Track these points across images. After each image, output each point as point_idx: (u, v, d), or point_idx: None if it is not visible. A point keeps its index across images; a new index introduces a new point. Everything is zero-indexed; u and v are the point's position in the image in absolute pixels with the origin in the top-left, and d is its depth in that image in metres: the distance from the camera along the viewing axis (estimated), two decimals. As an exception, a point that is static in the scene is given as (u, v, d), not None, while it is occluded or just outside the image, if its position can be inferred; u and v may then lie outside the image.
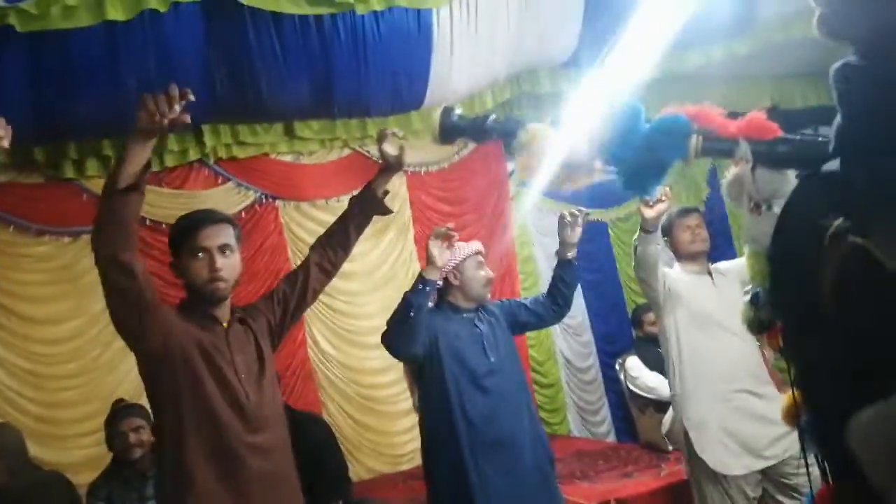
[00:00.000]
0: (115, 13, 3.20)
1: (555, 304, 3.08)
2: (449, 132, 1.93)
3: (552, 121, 1.88)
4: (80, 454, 4.16)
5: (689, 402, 3.05)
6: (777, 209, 1.29)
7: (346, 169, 5.17)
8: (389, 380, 5.15)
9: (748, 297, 1.72)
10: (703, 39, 4.68)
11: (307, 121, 4.71)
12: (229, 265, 2.06)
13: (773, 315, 1.58)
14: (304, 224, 5.04)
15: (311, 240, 4.96)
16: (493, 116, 1.89)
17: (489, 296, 2.96)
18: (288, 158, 5.02)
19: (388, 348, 2.78)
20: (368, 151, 5.18)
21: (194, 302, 2.07)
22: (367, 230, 5.05)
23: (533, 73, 5.21)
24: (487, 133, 1.91)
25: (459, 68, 4.39)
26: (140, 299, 1.85)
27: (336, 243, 2.33)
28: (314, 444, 3.41)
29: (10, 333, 4.24)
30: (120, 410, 3.24)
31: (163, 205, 4.62)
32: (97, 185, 4.47)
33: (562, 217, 3.02)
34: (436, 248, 2.62)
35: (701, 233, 3.23)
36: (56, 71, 3.35)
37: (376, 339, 5.07)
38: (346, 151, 5.17)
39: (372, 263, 5.22)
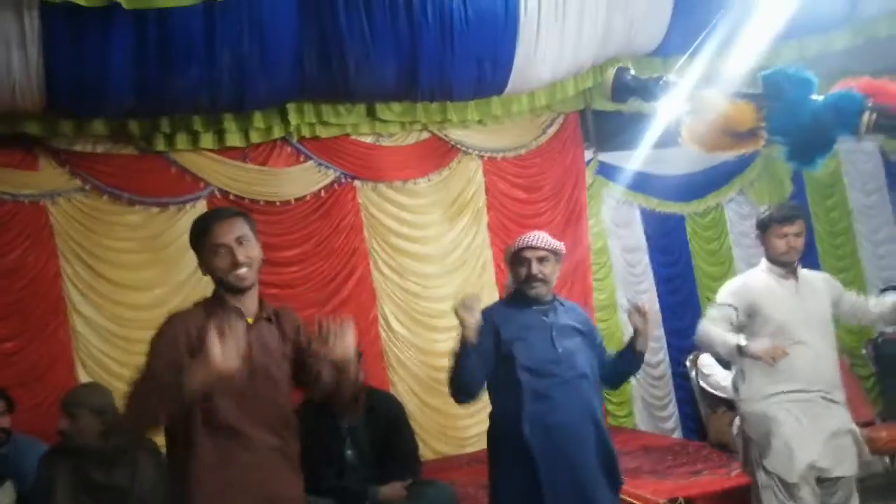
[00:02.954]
0: (216, -8, 3.31)
1: (605, 381, 2.97)
2: (621, 91, 1.97)
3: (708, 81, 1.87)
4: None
5: (758, 405, 3.00)
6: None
7: (424, 152, 5.22)
8: (458, 363, 5.19)
9: None
10: (799, 31, 4.53)
11: (389, 103, 4.76)
12: (248, 253, 2.11)
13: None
14: (381, 205, 5.11)
15: (388, 221, 5.18)
16: (664, 79, 1.91)
17: (542, 291, 2.82)
18: (368, 140, 5.09)
19: (455, 401, 2.84)
20: (446, 135, 5.21)
21: (220, 297, 2.14)
22: (441, 215, 5.19)
23: (616, 61, 5.13)
24: (657, 94, 1.94)
25: (544, 56, 4.37)
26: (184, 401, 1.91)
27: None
28: (390, 422, 3.48)
29: (101, 297, 4.45)
30: None
31: (246, 180, 4.76)
32: (186, 158, 4.64)
33: (632, 309, 2.90)
34: (465, 313, 2.59)
35: (798, 243, 3.11)
36: (157, 48, 3.47)
37: (446, 321, 5.22)
38: (425, 135, 5.21)
39: (445, 247, 5.26)
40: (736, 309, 3.08)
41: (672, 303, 5.75)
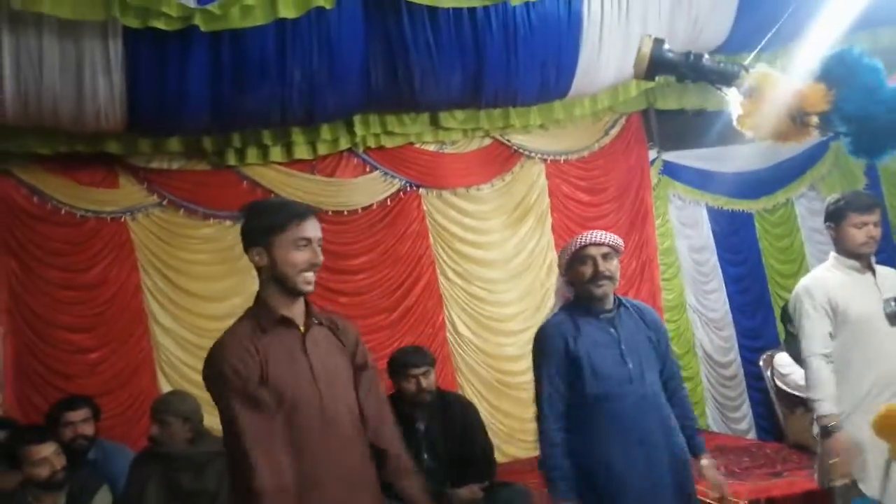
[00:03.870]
0: (287, 11, 3.41)
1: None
2: (658, 66, 1.74)
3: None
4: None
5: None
6: None
7: (487, 157, 5.26)
8: (525, 366, 5.15)
9: None
10: (871, 22, 4.42)
11: (453, 111, 4.81)
12: (321, 257, 2.01)
13: None
14: (445, 212, 5.17)
15: (452, 227, 5.24)
16: (706, 56, 1.73)
17: (609, 290, 2.66)
18: (432, 148, 5.16)
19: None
20: (509, 140, 5.24)
21: (266, 296, 1.99)
22: (505, 220, 5.21)
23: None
24: (701, 72, 1.72)
25: (607, 59, 4.36)
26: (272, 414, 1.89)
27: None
28: (464, 425, 3.50)
29: (179, 308, 4.61)
30: None
31: (315, 191, 4.87)
32: (256, 171, 4.78)
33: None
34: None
35: (877, 234, 2.92)
36: (231, 67, 3.59)
37: (513, 325, 5.26)
38: (487, 141, 5.25)
39: (509, 252, 5.28)
40: (830, 318, 2.89)
41: (742, 302, 5.66)
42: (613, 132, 5.53)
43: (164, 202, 4.65)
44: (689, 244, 5.66)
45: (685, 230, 5.67)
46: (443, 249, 5.15)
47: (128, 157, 4.52)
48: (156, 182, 4.63)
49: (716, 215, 5.72)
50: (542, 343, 2.68)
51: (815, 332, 2.87)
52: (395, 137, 4.92)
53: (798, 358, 4.39)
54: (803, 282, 3.03)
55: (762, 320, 5.67)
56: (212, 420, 4.13)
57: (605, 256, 2.61)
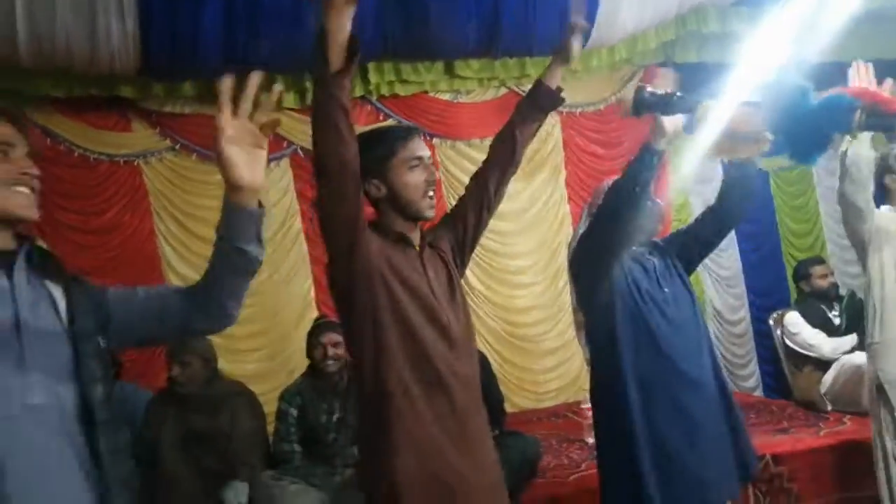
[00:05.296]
0: (301, -47, 3.35)
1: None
2: (640, 107, 2.11)
3: (714, 92, 2.01)
4: (251, 367, 4.55)
5: (890, 352, 2.82)
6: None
7: (502, 108, 5.18)
8: (535, 319, 5.24)
9: None
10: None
11: (468, 60, 4.75)
12: None
13: None
14: (460, 163, 5.13)
15: (466, 178, 5.08)
16: (677, 94, 2.07)
17: (659, 228, 2.69)
18: (446, 97, 5.10)
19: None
20: (524, 91, 5.15)
21: (388, 221, 1.87)
22: (519, 172, 5.16)
23: (700, 11, 4.98)
24: (673, 107, 2.11)
25: (629, 6, 4.27)
26: (359, 207, 1.73)
27: (505, 153, 2.06)
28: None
29: (193, 254, 4.62)
30: (322, 325, 3.38)
31: (328, 139, 4.83)
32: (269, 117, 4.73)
33: None
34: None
35: None
36: (245, 10, 3.55)
37: (525, 278, 5.26)
38: (503, 91, 5.19)
39: (522, 204, 5.26)
40: None
41: (753, 259, 5.64)
42: (631, 85, 5.45)
43: (177, 146, 4.65)
44: (703, 201, 5.59)
45: (698, 186, 5.61)
46: (455, 200, 5.11)
47: (141, 101, 4.50)
48: (168, 126, 4.62)
49: (732, 172, 5.65)
50: None
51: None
52: (409, 86, 4.87)
53: (809, 317, 4.39)
54: None
55: (773, 279, 5.65)
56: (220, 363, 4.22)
57: None
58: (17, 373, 1.27)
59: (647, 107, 2.10)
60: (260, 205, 1.46)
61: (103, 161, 4.52)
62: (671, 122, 2.23)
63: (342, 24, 1.56)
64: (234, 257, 1.47)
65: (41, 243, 1.45)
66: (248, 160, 1.40)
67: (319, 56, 1.58)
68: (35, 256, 1.39)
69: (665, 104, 2.10)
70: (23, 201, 1.38)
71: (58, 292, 1.39)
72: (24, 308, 1.32)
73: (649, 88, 2.10)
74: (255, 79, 1.41)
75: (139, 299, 1.50)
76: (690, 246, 2.68)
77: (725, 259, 5.59)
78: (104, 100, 4.38)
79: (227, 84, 1.38)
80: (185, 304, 1.51)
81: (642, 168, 2.33)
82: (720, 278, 5.54)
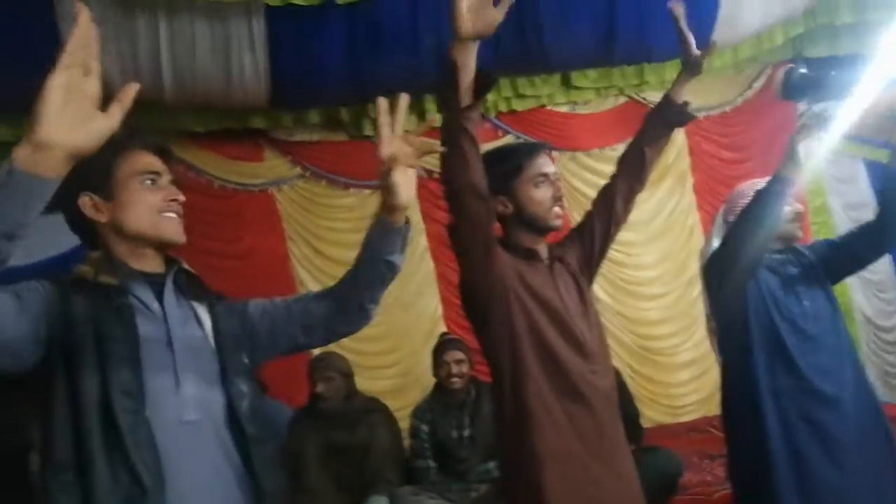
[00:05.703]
0: (417, -22, 3.45)
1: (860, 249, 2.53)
2: (791, 91, 1.96)
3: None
4: (385, 384, 4.65)
5: None
6: None
7: (621, 117, 5.10)
8: (668, 331, 5.09)
9: None
10: None
11: (585, 70, 4.71)
12: None
13: None
14: (580, 174, 5.09)
15: (588, 190, 5.14)
16: (832, 72, 1.91)
17: (799, 234, 2.52)
18: (564, 109, 5.08)
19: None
20: (644, 98, 5.06)
21: (516, 237, 1.89)
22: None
23: (832, 2, 4.72)
24: (827, 89, 1.95)
25: (751, 4, 4.10)
26: (490, 227, 1.77)
27: (632, 169, 2.03)
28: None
29: (324, 274, 4.79)
30: (445, 343, 3.46)
31: (449, 159, 4.91)
32: (391, 141, 4.88)
33: None
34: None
35: None
36: (366, 37, 3.67)
37: (654, 289, 5.12)
38: (622, 100, 5.11)
39: (648, 213, 5.14)
40: None
41: (907, 262, 5.24)
42: (757, 85, 5.26)
43: (307, 174, 4.86)
44: (844, 201, 5.29)
45: (839, 186, 5.30)
46: (578, 213, 5.05)
47: (271, 132, 4.75)
48: (298, 154, 4.85)
49: (877, 170, 5.29)
50: None
51: None
52: (526, 100, 4.88)
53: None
54: None
55: (930, 281, 5.23)
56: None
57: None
58: (173, 390, 1.34)
59: (798, 90, 2.00)
60: (406, 220, 1.55)
61: (239, 191, 4.79)
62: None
63: (468, 62, 1.66)
64: (381, 268, 1.54)
65: (186, 266, 1.54)
66: (405, 181, 1.48)
67: (449, 88, 1.65)
68: (181, 278, 1.49)
69: (818, 86, 1.99)
70: (172, 226, 1.48)
71: (203, 311, 1.48)
72: (176, 327, 1.40)
73: (803, 70, 1.99)
74: (405, 101, 1.49)
75: (280, 308, 1.58)
76: (839, 260, 2.54)
77: (875, 262, 5.21)
78: (238, 132, 4.66)
79: (383, 105, 1.47)
80: (325, 308, 1.58)
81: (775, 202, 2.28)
82: (870, 283, 5.19)
